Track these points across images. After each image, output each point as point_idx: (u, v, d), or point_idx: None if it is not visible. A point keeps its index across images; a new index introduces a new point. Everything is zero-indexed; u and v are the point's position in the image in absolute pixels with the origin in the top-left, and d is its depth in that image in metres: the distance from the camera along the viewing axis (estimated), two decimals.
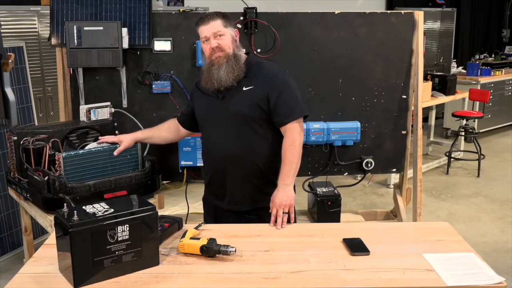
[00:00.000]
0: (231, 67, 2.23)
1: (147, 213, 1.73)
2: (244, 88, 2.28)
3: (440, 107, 6.76)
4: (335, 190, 3.34)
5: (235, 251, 1.79)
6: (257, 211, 2.35)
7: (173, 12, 3.15)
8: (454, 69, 7.48)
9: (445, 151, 5.97)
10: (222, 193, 2.38)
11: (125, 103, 3.16)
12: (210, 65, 2.27)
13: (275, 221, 2.14)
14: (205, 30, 2.26)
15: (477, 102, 6.49)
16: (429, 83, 5.64)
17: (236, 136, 2.28)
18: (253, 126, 2.29)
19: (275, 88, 2.27)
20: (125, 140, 2.58)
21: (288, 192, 2.21)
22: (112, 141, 2.58)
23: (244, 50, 2.38)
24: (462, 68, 7.41)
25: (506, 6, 9.17)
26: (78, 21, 3.02)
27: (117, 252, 1.67)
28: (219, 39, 2.25)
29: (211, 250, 1.79)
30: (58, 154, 2.49)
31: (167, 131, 2.61)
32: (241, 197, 2.35)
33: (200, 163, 3.14)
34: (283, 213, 2.15)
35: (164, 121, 3.21)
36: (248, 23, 3.14)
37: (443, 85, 5.84)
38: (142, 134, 2.62)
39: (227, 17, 2.31)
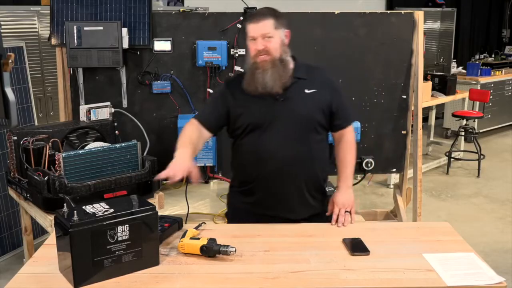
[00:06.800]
0: (277, 74, 2.11)
1: (147, 213, 1.73)
2: (307, 91, 2.17)
3: (440, 107, 6.76)
4: (335, 190, 3.33)
5: (235, 251, 1.79)
6: (310, 218, 2.27)
7: (173, 12, 3.15)
8: (454, 69, 7.48)
9: (445, 151, 5.96)
10: (274, 201, 2.21)
11: (125, 103, 3.17)
12: (254, 67, 2.13)
13: (336, 220, 2.15)
14: (253, 29, 2.09)
15: (477, 102, 6.49)
16: (429, 83, 5.65)
17: (300, 140, 2.16)
18: (316, 130, 2.20)
19: (336, 91, 2.23)
20: (190, 163, 1.97)
21: (351, 194, 2.25)
22: (181, 175, 1.90)
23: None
24: (462, 68, 7.41)
25: (506, 6, 9.17)
26: (78, 21, 3.02)
27: (117, 252, 1.67)
28: (267, 41, 2.09)
29: (211, 250, 1.79)
30: (58, 154, 2.49)
31: (201, 141, 2.19)
32: (299, 204, 2.23)
33: (200, 163, 3.14)
34: (345, 212, 2.17)
35: (164, 121, 3.23)
36: None
37: (443, 85, 5.84)
38: (192, 150, 2.06)
39: (281, 17, 2.14)
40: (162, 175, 1.89)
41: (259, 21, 2.09)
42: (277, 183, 2.18)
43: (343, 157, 2.27)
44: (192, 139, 2.12)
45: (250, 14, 2.17)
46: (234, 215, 2.34)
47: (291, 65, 2.19)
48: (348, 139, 2.27)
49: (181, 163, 1.95)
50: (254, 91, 2.13)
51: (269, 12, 2.13)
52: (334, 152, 2.33)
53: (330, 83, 2.25)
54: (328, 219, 2.21)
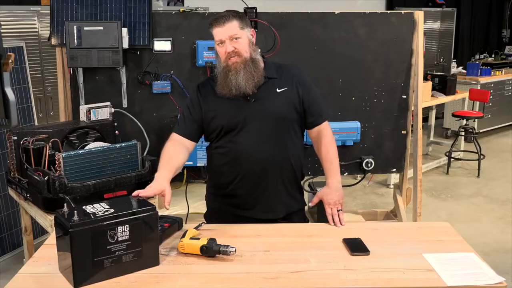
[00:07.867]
0: (250, 73, 2.12)
1: (147, 213, 1.73)
2: (278, 90, 2.19)
3: (440, 107, 6.76)
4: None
5: (235, 251, 1.79)
6: (288, 216, 2.29)
7: (173, 12, 3.15)
8: (454, 69, 7.48)
9: (445, 151, 5.97)
10: (252, 201, 2.23)
11: (125, 103, 3.16)
12: (226, 70, 2.13)
13: (333, 220, 2.16)
14: (220, 32, 2.12)
15: (477, 102, 6.49)
16: (429, 83, 5.65)
17: (276, 139, 2.18)
18: (290, 128, 2.22)
19: (305, 87, 2.24)
20: (166, 187, 1.97)
21: (341, 190, 2.24)
22: (153, 194, 1.96)
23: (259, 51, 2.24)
24: (462, 68, 7.41)
25: (506, 6, 9.17)
26: (78, 21, 3.02)
27: (117, 252, 1.67)
28: (235, 42, 2.11)
29: (211, 250, 1.79)
30: (58, 154, 2.49)
31: (183, 155, 2.18)
32: (276, 203, 2.25)
33: (200, 163, 3.14)
34: (338, 210, 2.17)
35: (164, 121, 3.23)
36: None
37: (443, 85, 5.84)
38: (170, 172, 2.06)
39: (244, 17, 2.18)
40: (135, 192, 1.89)
41: (224, 24, 2.11)
42: (254, 184, 2.20)
43: (326, 152, 2.26)
44: (171, 158, 2.12)
45: (213, 19, 2.16)
46: (213, 216, 2.35)
47: (262, 63, 2.20)
48: (326, 134, 2.27)
49: (156, 185, 1.96)
50: (229, 94, 2.14)
51: (232, 14, 2.15)
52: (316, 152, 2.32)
53: (300, 80, 2.25)
54: (304, 217, 2.32)
